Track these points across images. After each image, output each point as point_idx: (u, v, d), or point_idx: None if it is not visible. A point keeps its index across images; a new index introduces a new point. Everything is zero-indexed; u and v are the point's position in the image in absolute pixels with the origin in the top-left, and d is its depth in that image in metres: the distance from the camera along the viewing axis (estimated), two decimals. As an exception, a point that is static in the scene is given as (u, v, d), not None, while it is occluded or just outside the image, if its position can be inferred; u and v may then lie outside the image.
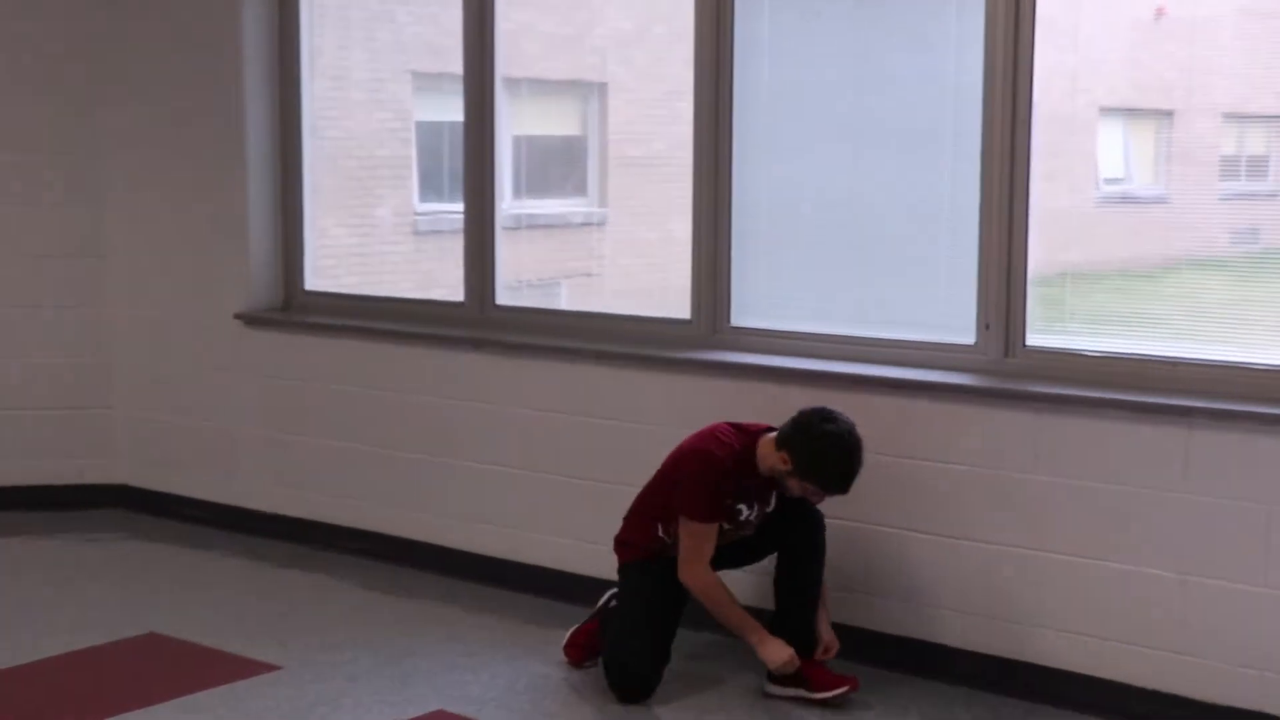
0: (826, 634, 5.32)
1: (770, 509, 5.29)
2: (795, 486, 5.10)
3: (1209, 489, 4.86)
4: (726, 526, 5.23)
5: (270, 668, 5.52)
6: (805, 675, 5.21)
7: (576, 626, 5.64)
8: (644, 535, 5.37)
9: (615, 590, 5.62)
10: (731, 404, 5.72)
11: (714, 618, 5.29)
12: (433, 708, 5.18)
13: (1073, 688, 5.15)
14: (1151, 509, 4.95)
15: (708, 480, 5.13)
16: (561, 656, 5.58)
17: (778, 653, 5.16)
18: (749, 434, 5.19)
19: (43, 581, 6.61)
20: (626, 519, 5.48)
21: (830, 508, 5.40)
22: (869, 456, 5.28)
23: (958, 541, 5.37)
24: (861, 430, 5.37)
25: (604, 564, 6.05)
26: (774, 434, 5.15)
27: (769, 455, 5.11)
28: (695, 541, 5.18)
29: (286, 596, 6.41)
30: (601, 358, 6.15)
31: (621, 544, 5.47)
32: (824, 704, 5.16)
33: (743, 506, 5.21)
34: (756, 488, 5.21)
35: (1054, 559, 5.17)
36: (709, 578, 5.22)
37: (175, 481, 7.58)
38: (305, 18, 7.18)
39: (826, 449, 5.03)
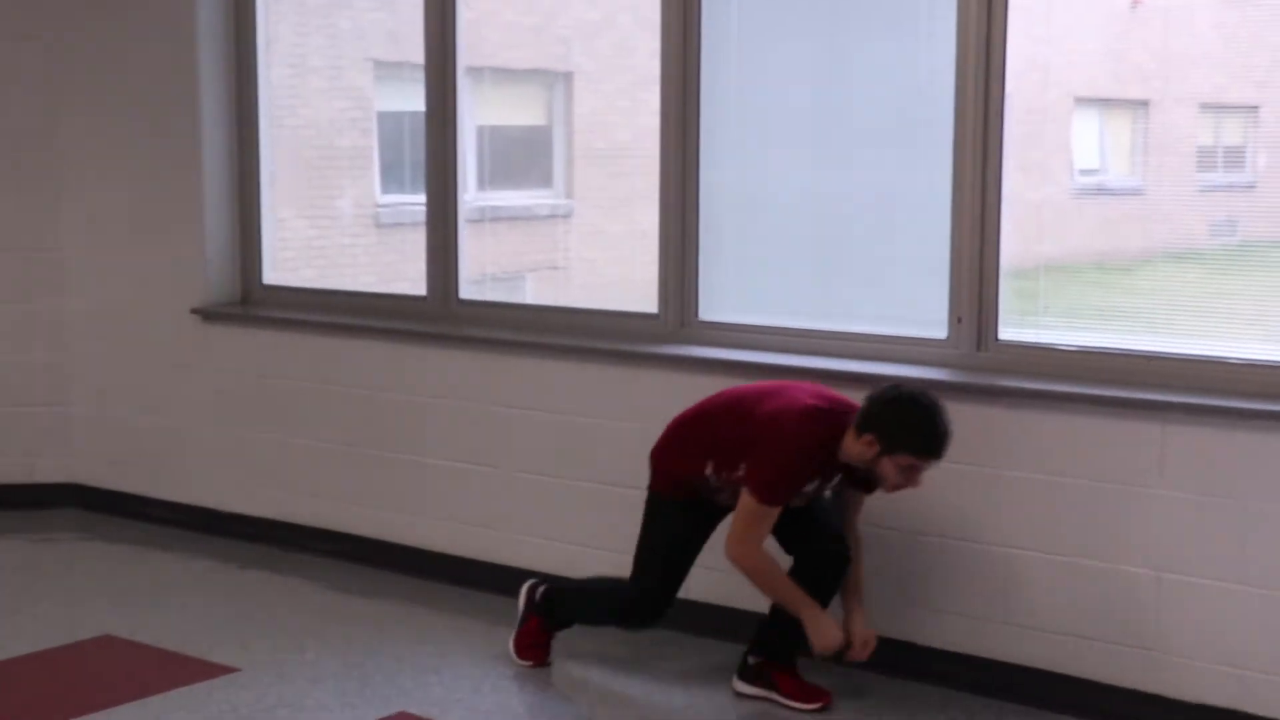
0: (861, 632, 5.20)
1: (830, 485, 5.15)
2: (890, 470, 4.89)
3: (1185, 485, 4.91)
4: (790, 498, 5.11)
5: (230, 670, 5.54)
6: (778, 682, 5.25)
7: (518, 630, 5.65)
8: (687, 466, 5.21)
9: (534, 581, 5.69)
10: (700, 398, 5.72)
11: (763, 593, 5.16)
12: (396, 709, 5.20)
13: (1048, 687, 5.20)
14: (1127, 505, 5.00)
15: (790, 465, 4.99)
16: (520, 662, 5.61)
17: (827, 636, 5.05)
18: (839, 419, 5.00)
19: (-8, 583, 6.65)
20: (675, 437, 5.32)
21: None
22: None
23: (927, 538, 5.42)
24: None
25: (573, 561, 6.11)
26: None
27: (851, 446, 4.93)
28: (754, 521, 5.02)
29: (248, 598, 6.43)
30: (568, 353, 6.17)
31: (659, 466, 5.33)
32: (795, 712, 5.20)
33: (812, 485, 5.08)
34: (832, 471, 5.07)
35: (1027, 556, 5.22)
36: (762, 558, 5.06)
37: (132, 480, 7.59)
38: (261, 3, 7.19)
39: (908, 412, 4.88)
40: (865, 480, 5.08)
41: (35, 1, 7.46)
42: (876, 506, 5.43)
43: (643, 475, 5.91)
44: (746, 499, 5.01)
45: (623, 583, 5.38)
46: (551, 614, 5.57)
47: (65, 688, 5.44)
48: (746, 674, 5.32)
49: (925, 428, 4.85)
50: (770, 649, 5.29)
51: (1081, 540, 5.10)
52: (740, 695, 5.31)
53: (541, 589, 5.62)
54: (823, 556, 5.17)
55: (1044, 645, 5.20)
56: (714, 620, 5.82)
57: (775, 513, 5.02)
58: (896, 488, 4.95)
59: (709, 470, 5.13)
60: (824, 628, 5.04)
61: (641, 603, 5.31)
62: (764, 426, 5.02)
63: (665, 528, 5.30)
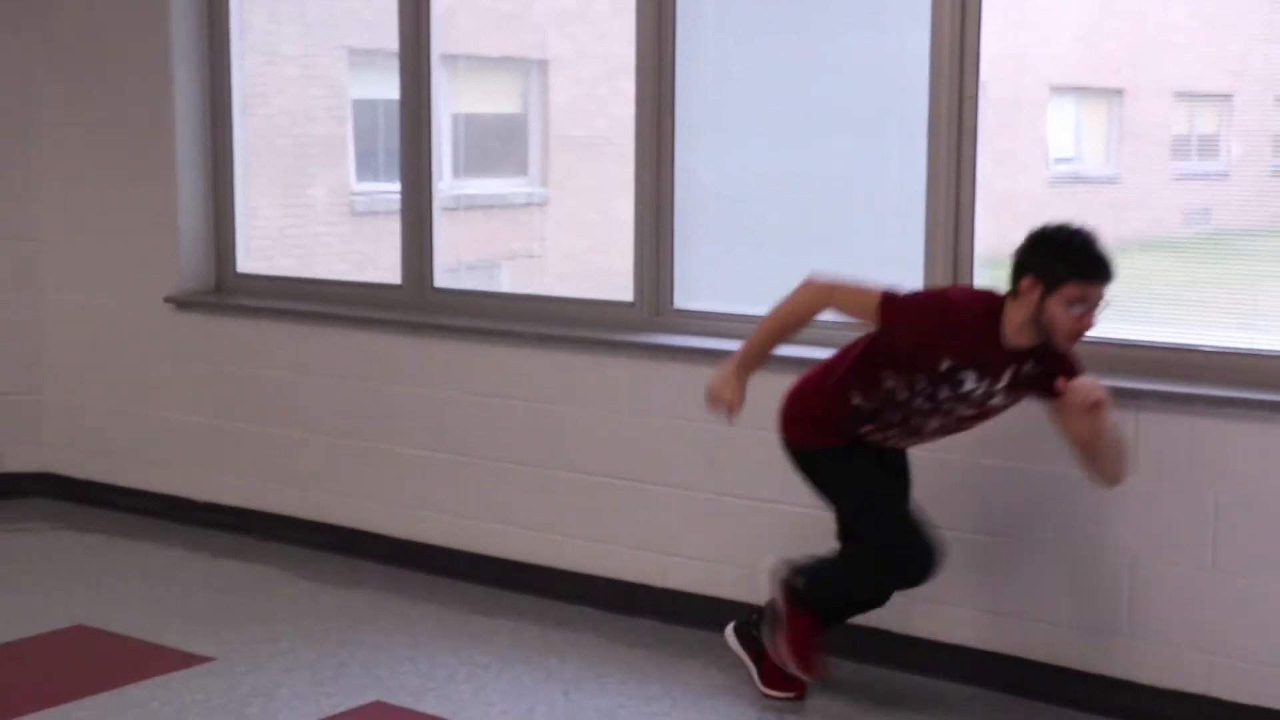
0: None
1: (998, 389, 4.71)
2: (1058, 313, 4.50)
3: (1157, 472, 4.94)
4: (945, 395, 4.70)
5: (204, 659, 5.55)
6: (764, 662, 5.21)
7: (787, 637, 5.10)
8: (830, 407, 4.88)
9: (783, 567, 5.15)
10: (675, 387, 5.79)
11: (766, 318, 4.88)
12: (371, 699, 5.21)
13: (1022, 674, 5.23)
14: (1100, 492, 5.00)
15: (929, 300, 4.74)
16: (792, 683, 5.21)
17: (722, 387, 4.87)
18: (995, 302, 4.66)
19: (-34, 573, 6.65)
20: (801, 391, 5.01)
21: (762, 487, 5.51)
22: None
23: None
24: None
25: (548, 550, 6.15)
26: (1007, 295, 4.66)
27: (1014, 312, 4.60)
28: (854, 287, 4.74)
29: (223, 587, 6.43)
30: (543, 341, 6.18)
31: (794, 420, 4.98)
32: (763, 696, 5.21)
33: (970, 374, 4.66)
34: (994, 359, 4.66)
35: (1001, 543, 5.26)
36: (815, 301, 4.78)
37: (105, 469, 7.58)
38: None
39: (1060, 239, 4.57)
40: (1049, 375, 4.64)
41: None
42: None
43: (619, 463, 5.99)
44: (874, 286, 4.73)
45: (858, 552, 5.00)
46: (808, 592, 5.12)
47: (37, 678, 5.44)
48: (741, 633, 5.30)
49: (1082, 248, 4.55)
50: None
51: (1056, 527, 5.13)
52: (727, 645, 5.34)
53: (799, 579, 5.09)
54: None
55: (1018, 632, 5.23)
56: (692, 609, 5.86)
57: (871, 307, 4.68)
58: (1071, 335, 4.57)
59: (858, 398, 4.80)
60: (722, 380, 4.87)
61: (898, 554, 4.88)
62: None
63: (856, 474, 4.95)
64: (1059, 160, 5.99)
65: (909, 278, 5.42)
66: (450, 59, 6.86)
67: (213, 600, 6.26)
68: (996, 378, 4.70)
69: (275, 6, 7.44)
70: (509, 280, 7.61)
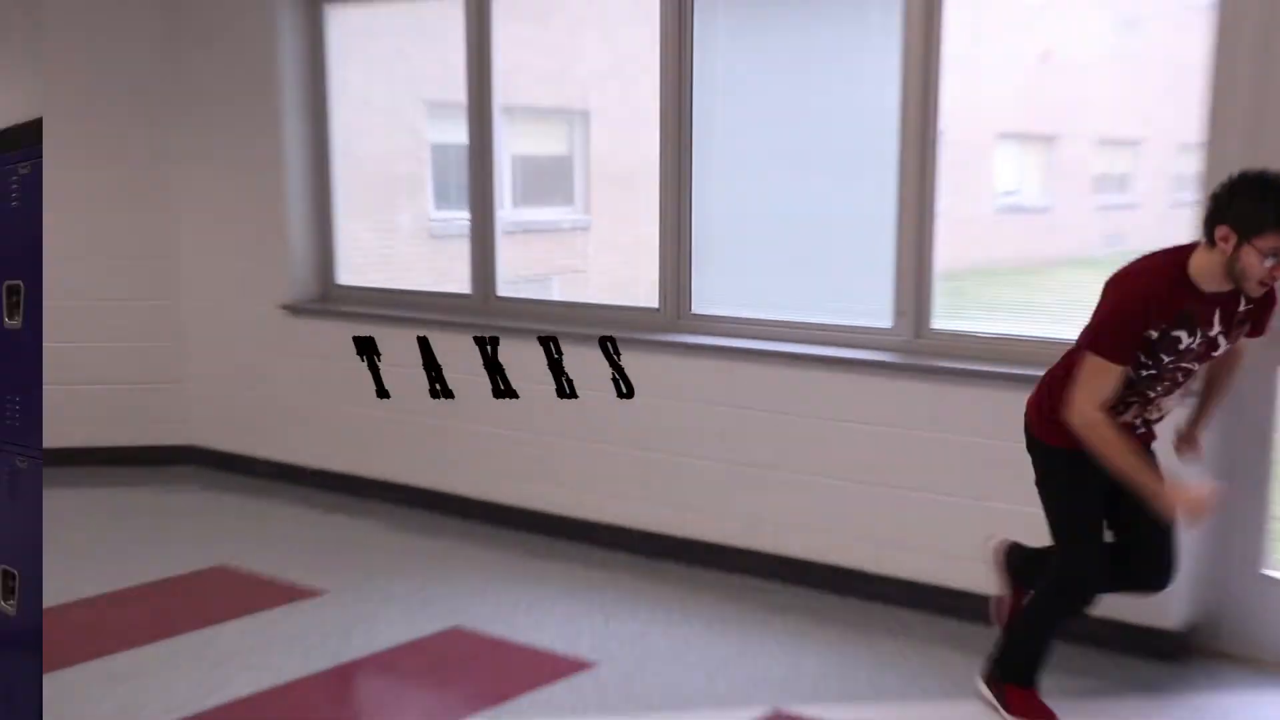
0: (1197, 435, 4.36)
1: (1213, 333, 4.07)
2: (1252, 261, 3.84)
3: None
4: (1166, 359, 4.06)
5: (318, 593, 5.69)
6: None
7: (1000, 598, 4.75)
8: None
9: (1011, 548, 4.74)
10: (693, 376, 5.89)
11: (1101, 458, 4.07)
12: (451, 624, 5.34)
13: (972, 604, 5.25)
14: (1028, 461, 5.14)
15: (1125, 313, 3.96)
16: None
17: (1188, 503, 4.01)
18: (1179, 251, 4.01)
19: (130, 524, 6.76)
20: (1049, 388, 4.31)
21: (763, 456, 5.60)
22: (804, 422, 5.47)
23: (869, 487, 5.52)
24: (797, 398, 5.50)
25: (591, 508, 6.24)
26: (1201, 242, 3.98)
27: (1204, 259, 3.93)
28: (1092, 378, 4.01)
29: (332, 536, 6.55)
30: (586, 340, 6.25)
31: (1042, 418, 4.31)
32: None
33: (1182, 334, 4.01)
34: (1199, 311, 4.00)
35: (959, 503, 5.30)
36: (1097, 418, 4.01)
37: (238, 442, 7.70)
38: (334, 54, 7.26)
39: (1259, 187, 3.83)
40: (1259, 310, 4.15)
41: (153, 60, 7.54)
42: (826, 464, 5.52)
43: (646, 438, 6.08)
44: (1086, 358, 4.05)
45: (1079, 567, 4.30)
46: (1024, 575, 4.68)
47: (187, 606, 5.58)
48: (1011, 558, 4.73)
49: (1278, 194, 3.82)
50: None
51: (1003, 490, 5.13)
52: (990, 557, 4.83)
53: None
54: (1138, 572, 4.40)
55: (965, 570, 5.27)
56: (705, 554, 5.95)
57: (1114, 371, 4.00)
58: (1262, 284, 3.90)
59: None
60: (1181, 498, 4.01)
61: (1087, 600, 4.33)
62: (1104, 293, 4.11)
63: (1080, 493, 4.27)
64: (1004, 193, 6.01)
65: (882, 287, 5.52)
66: (509, 109, 6.82)
67: (325, 547, 6.37)
68: (1208, 324, 4.05)
69: (367, 66, 7.37)
70: (559, 290, 7.58)
